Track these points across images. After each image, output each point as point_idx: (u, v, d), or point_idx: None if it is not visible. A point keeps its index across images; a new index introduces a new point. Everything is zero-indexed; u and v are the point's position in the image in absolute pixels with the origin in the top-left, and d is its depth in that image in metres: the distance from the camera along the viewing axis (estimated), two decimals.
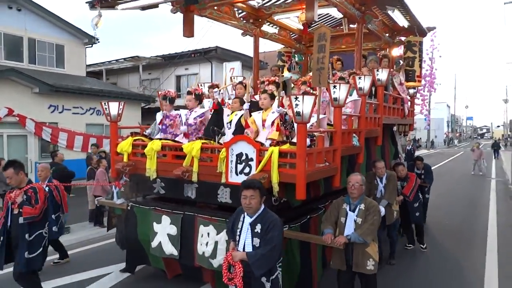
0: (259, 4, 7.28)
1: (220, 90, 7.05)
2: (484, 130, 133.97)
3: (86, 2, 5.20)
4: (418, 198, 7.08)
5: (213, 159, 4.60)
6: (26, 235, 4.25)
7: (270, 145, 4.29)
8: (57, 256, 6.27)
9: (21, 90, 12.74)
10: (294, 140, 4.49)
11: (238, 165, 4.29)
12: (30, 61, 15.32)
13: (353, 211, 4.19)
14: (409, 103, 8.49)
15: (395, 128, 8.12)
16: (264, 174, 4.04)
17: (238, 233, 3.48)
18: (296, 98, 3.85)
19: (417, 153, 17.88)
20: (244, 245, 3.40)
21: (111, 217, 6.25)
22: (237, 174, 4.29)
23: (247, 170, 4.23)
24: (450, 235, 8.15)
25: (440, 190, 12.53)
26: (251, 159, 4.20)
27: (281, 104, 5.44)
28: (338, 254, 4.23)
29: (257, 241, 3.34)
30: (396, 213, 6.17)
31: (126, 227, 5.46)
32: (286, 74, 8.49)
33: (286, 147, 4.14)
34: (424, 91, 9.54)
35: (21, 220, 4.21)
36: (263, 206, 3.44)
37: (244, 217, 3.48)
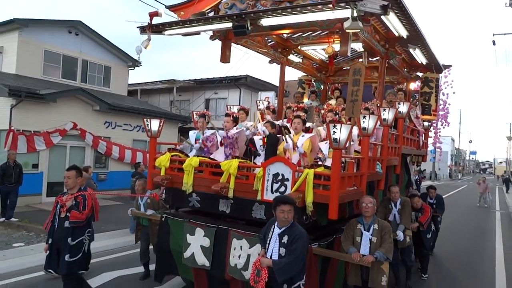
0: (288, 35, 7.75)
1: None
2: (487, 165, 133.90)
3: (138, 27, 5.66)
4: (431, 228, 7.39)
5: (249, 177, 4.95)
6: (69, 239, 4.50)
7: (305, 167, 4.66)
8: None
9: (84, 107, 14.54)
10: (327, 163, 4.87)
11: (274, 184, 4.62)
12: (82, 80, 17.11)
13: (368, 231, 4.55)
14: (423, 135, 8.89)
15: (408, 159, 8.48)
16: (299, 194, 4.37)
17: (268, 242, 3.85)
18: (334, 126, 4.24)
19: (422, 184, 18.44)
20: (271, 253, 3.77)
21: (139, 229, 6.53)
22: (272, 193, 4.62)
23: (282, 189, 4.57)
24: (460, 262, 8.65)
25: (449, 220, 13.05)
26: (287, 179, 4.55)
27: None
28: (354, 271, 4.60)
29: (283, 250, 3.70)
30: (409, 238, 6.45)
31: (159, 237, 5.75)
32: (306, 101, 8.94)
33: (320, 169, 4.51)
34: (437, 125, 9.92)
35: (67, 223, 4.50)
36: (292, 221, 3.80)
37: (274, 228, 3.84)
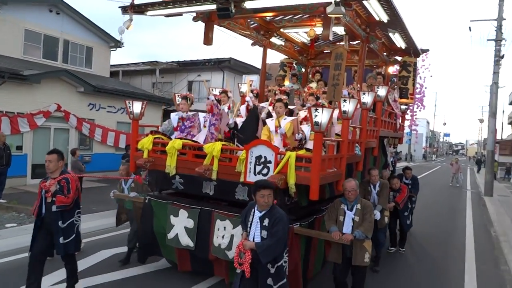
0: (271, 18, 7.74)
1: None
2: (459, 147, 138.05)
3: (120, 7, 5.57)
4: (408, 207, 7.76)
5: (232, 159, 5.04)
6: (60, 222, 4.53)
7: (287, 150, 4.77)
8: None
9: (68, 89, 14.39)
10: (308, 146, 4.99)
11: (257, 166, 4.73)
12: (63, 60, 16.70)
13: (351, 210, 4.70)
14: (400, 118, 9.13)
15: (386, 141, 8.72)
16: (281, 176, 4.49)
17: (249, 225, 3.97)
18: (316, 110, 4.35)
19: (397, 165, 19.11)
20: (254, 236, 3.90)
21: (120, 212, 6.54)
22: (255, 175, 4.72)
23: (265, 171, 4.68)
24: (434, 237, 9.27)
25: (423, 199, 13.76)
26: (270, 162, 4.65)
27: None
28: (335, 249, 4.76)
29: (265, 233, 3.85)
30: (387, 219, 6.74)
31: (142, 219, 5.81)
32: (287, 84, 9.01)
33: (302, 152, 4.63)
34: (414, 108, 10.20)
35: (54, 208, 4.49)
36: (272, 203, 3.93)
37: (254, 212, 3.97)
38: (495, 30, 18.00)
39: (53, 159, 4.55)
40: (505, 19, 17.87)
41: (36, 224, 4.64)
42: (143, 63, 22.06)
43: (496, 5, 18.02)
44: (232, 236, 4.85)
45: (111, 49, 19.08)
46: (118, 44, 18.75)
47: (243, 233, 4.09)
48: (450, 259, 7.65)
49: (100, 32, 18.07)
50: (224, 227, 4.94)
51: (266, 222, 3.86)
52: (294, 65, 10.01)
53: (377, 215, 6.13)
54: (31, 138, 13.16)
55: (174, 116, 6.26)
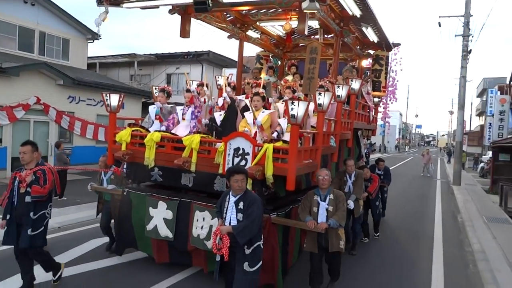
0: (246, 11, 7.81)
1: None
2: (431, 138, 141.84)
3: None
4: (378, 197, 8.07)
5: (210, 151, 5.13)
6: (31, 214, 4.49)
7: (264, 142, 4.90)
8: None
9: (47, 82, 14.34)
10: (284, 138, 5.13)
11: (235, 158, 4.83)
12: (40, 52, 16.56)
13: (324, 201, 4.86)
14: (373, 110, 9.41)
15: (360, 133, 8.98)
16: (259, 167, 4.62)
17: (225, 211, 4.14)
18: (292, 103, 4.48)
19: (371, 156, 19.74)
20: (230, 220, 4.07)
21: (99, 202, 6.55)
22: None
23: (243, 163, 4.79)
24: (405, 223, 9.89)
25: (396, 188, 14.44)
26: (248, 154, 4.77)
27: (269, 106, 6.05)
28: (311, 239, 4.91)
29: (240, 215, 4.03)
30: (362, 208, 6.98)
31: (120, 211, 5.83)
32: (264, 76, 9.10)
33: (279, 144, 4.76)
34: (386, 100, 10.50)
35: (28, 198, 4.45)
36: (246, 188, 4.11)
37: (229, 197, 4.14)
38: (463, 26, 18.63)
39: (27, 151, 4.52)
40: (472, 15, 18.52)
41: (4, 215, 4.59)
42: (121, 55, 22.00)
43: (463, 2, 18.67)
44: (211, 226, 4.95)
45: (88, 41, 18.98)
46: (95, 36, 18.67)
47: (219, 220, 4.22)
48: (420, 242, 8.13)
49: (77, 24, 17.96)
50: (203, 218, 5.03)
51: (241, 205, 4.05)
52: (270, 58, 10.11)
53: (351, 205, 6.36)
54: (11, 131, 13.04)
55: (152, 109, 6.30)
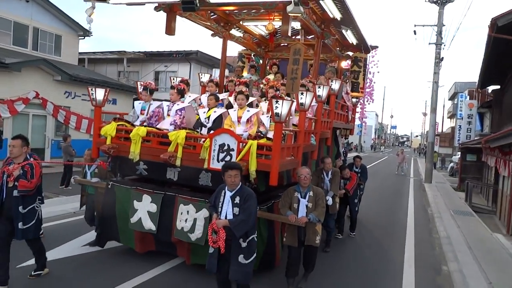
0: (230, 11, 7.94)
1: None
2: (405, 139, 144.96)
3: None
4: (357, 194, 8.34)
5: (196, 147, 5.27)
6: (20, 208, 4.56)
7: (248, 138, 5.08)
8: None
9: (45, 77, 15.15)
10: (268, 135, 5.33)
11: (220, 153, 5.01)
12: (33, 48, 17.23)
13: (304, 198, 5.08)
14: (352, 110, 9.71)
15: (338, 132, 9.27)
16: (243, 163, 4.80)
17: (220, 206, 4.23)
18: (277, 102, 4.68)
19: (348, 155, 20.27)
20: (226, 214, 4.17)
21: (82, 195, 6.59)
22: (218, 162, 5.00)
23: (227, 158, 4.96)
24: (381, 215, 10.80)
25: (372, 185, 15.22)
26: (232, 149, 4.95)
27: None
28: (291, 233, 5.12)
29: (236, 210, 4.14)
30: (338, 205, 7.25)
31: (104, 204, 5.90)
32: (246, 75, 9.30)
33: (263, 141, 4.96)
34: (364, 101, 10.82)
35: (15, 193, 4.51)
36: (240, 183, 4.25)
37: (225, 192, 4.24)
38: (436, 35, 19.48)
39: (17, 144, 4.56)
40: (444, 25, 19.69)
41: None
42: (110, 52, 22.58)
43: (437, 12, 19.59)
44: (195, 219, 5.11)
45: (80, 38, 19.58)
46: (86, 33, 19.30)
47: (213, 215, 4.29)
48: (395, 229, 9.29)
49: (69, 21, 18.65)
50: (187, 211, 5.18)
51: (237, 199, 4.15)
52: (252, 56, 10.28)
53: (329, 201, 6.62)
54: (11, 123, 13.69)
55: (137, 104, 6.37)
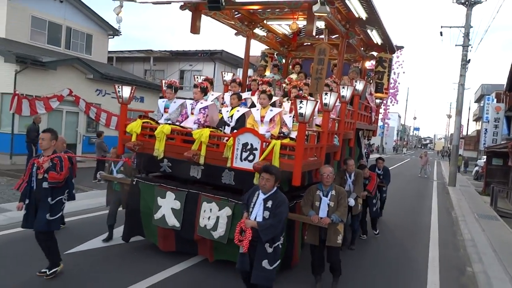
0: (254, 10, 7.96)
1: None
2: (428, 141, 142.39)
3: None
4: (376, 195, 8.27)
5: (219, 145, 5.31)
6: (49, 199, 4.67)
7: (271, 138, 5.08)
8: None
9: (78, 75, 15.88)
10: (291, 135, 5.32)
11: (243, 152, 5.02)
12: (66, 46, 18.04)
13: (326, 196, 5.03)
14: (375, 111, 9.60)
15: (361, 133, 9.18)
16: (266, 162, 4.80)
17: (252, 206, 4.21)
18: (301, 102, 4.67)
19: (370, 156, 20.15)
20: (256, 216, 4.15)
21: (108, 193, 6.70)
22: (241, 161, 5.02)
23: (251, 157, 4.98)
24: (405, 216, 10.83)
25: (396, 187, 15.25)
26: (256, 149, 4.96)
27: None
28: (312, 232, 5.09)
29: (267, 213, 4.10)
30: (360, 206, 7.19)
31: (129, 200, 6.01)
32: (268, 74, 9.29)
33: (286, 141, 4.95)
34: (387, 102, 10.70)
35: (45, 184, 4.63)
36: (275, 188, 4.20)
37: (259, 194, 4.21)
38: (463, 37, 19.04)
39: (46, 138, 4.68)
40: (472, 26, 19.15)
41: (23, 199, 4.74)
42: (137, 51, 23.12)
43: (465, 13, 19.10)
44: (217, 217, 5.15)
45: (109, 37, 20.20)
46: (115, 32, 19.95)
47: (244, 213, 4.30)
48: (418, 230, 9.25)
49: (99, 20, 19.35)
50: (210, 209, 5.23)
51: (269, 203, 4.12)
52: (275, 55, 10.27)
53: (351, 202, 6.56)
54: (46, 119, 14.16)
55: (161, 103, 6.45)
